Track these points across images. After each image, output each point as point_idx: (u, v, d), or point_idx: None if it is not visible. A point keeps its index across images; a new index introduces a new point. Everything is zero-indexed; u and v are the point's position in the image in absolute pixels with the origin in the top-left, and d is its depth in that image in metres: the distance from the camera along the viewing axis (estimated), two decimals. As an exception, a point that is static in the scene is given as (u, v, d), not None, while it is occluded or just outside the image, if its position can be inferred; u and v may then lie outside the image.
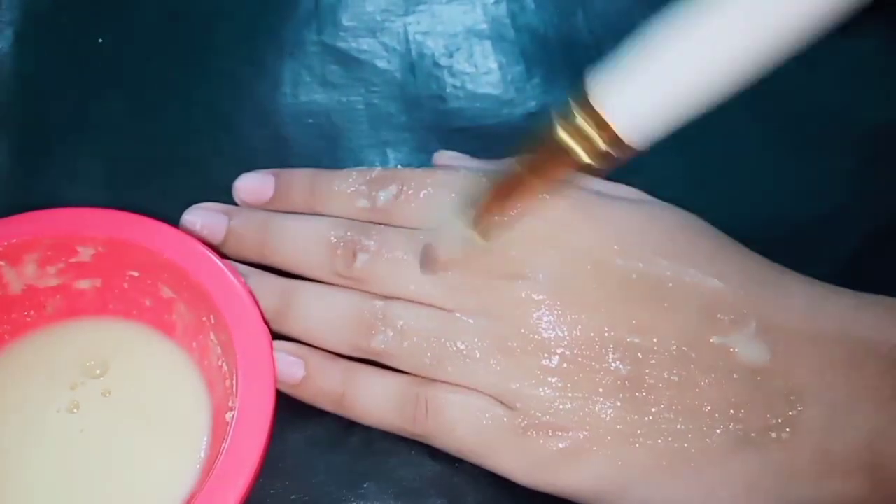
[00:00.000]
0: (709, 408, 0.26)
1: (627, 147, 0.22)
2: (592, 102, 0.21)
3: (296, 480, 0.28)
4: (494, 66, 0.38)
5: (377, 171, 0.30)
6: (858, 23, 0.39)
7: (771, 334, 0.26)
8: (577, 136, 0.22)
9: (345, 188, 0.30)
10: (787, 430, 0.25)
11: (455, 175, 0.30)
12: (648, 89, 0.21)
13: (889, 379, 0.25)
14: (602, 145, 0.22)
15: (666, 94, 0.21)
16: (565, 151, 0.22)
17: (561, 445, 0.26)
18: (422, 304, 0.28)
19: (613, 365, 0.26)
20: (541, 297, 0.27)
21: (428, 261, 0.27)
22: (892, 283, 0.28)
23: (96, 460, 0.27)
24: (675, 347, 0.26)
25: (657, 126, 0.21)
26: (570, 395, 0.26)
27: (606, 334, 0.26)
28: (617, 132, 0.21)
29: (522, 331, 0.27)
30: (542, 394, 0.26)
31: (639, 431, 0.26)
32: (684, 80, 0.21)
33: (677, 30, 0.20)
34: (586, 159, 0.22)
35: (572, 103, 0.22)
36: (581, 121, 0.22)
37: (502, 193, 0.25)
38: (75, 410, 0.28)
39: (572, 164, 0.22)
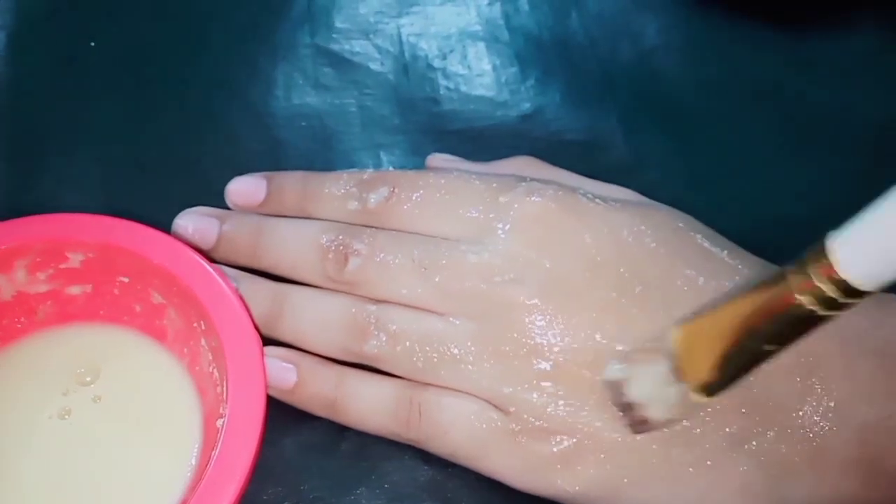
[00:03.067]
0: (703, 410, 0.25)
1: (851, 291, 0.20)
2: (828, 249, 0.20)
3: (288, 486, 0.28)
4: (488, 67, 0.38)
5: (368, 173, 0.30)
6: (856, 22, 0.39)
7: None
8: (804, 281, 0.21)
9: (336, 191, 0.30)
10: (782, 428, 0.25)
11: (447, 177, 0.29)
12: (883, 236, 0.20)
13: (882, 375, 0.25)
14: (828, 291, 0.21)
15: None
16: (788, 294, 0.21)
17: (554, 449, 0.26)
18: (414, 307, 0.28)
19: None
20: (534, 300, 0.27)
21: (637, 424, 0.25)
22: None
23: (87, 467, 0.27)
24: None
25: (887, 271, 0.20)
26: (563, 399, 0.26)
27: (599, 338, 0.26)
28: (842, 276, 0.20)
29: (515, 335, 0.26)
30: (536, 398, 0.26)
31: (631, 436, 0.25)
32: None
33: None
34: (805, 303, 0.21)
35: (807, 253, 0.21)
36: (812, 266, 0.21)
37: (711, 339, 0.23)
38: (67, 417, 0.28)
39: (791, 306, 0.21)
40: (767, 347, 0.22)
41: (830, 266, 0.20)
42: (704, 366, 0.23)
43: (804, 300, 0.21)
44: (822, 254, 0.21)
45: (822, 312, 0.21)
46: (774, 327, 0.22)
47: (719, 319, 0.23)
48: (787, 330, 0.22)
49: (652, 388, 0.24)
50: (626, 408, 0.25)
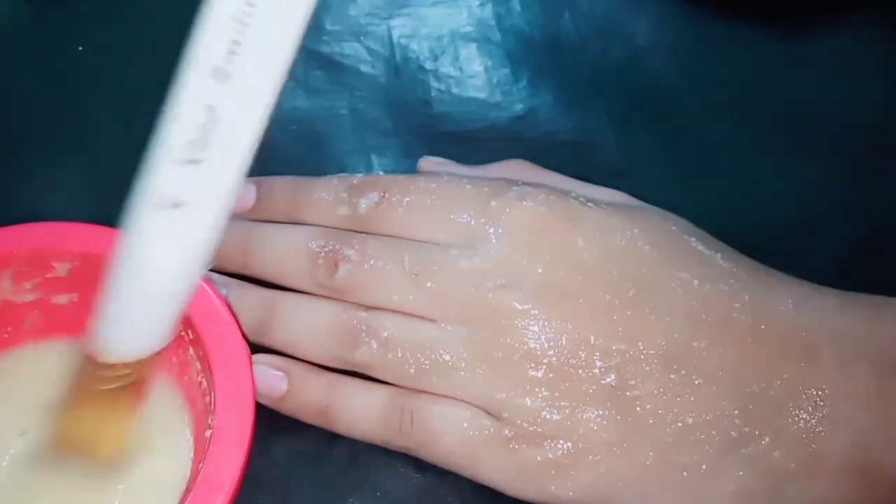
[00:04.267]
0: (696, 414, 0.25)
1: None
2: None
3: (279, 495, 0.28)
4: (480, 68, 0.37)
5: (359, 177, 0.30)
6: (849, 21, 0.39)
7: (758, 337, 0.26)
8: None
9: (326, 196, 0.30)
10: (777, 433, 0.25)
11: (438, 182, 0.29)
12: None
13: (875, 378, 0.25)
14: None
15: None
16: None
17: (549, 455, 0.26)
18: (406, 314, 0.27)
19: (600, 373, 0.26)
20: (526, 306, 0.26)
21: None
22: (881, 284, 0.27)
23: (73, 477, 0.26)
24: (662, 354, 0.26)
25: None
26: (556, 404, 0.26)
27: (593, 342, 0.26)
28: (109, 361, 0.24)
29: (508, 340, 0.26)
30: (529, 404, 0.26)
31: (626, 440, 0.25)
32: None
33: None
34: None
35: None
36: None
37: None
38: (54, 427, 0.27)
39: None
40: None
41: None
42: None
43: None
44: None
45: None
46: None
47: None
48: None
49: None
50: None
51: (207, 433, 0.25)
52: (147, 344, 0.24)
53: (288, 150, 0.35)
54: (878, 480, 0.25)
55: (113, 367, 0.24)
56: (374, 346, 0.27)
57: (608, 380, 0.25)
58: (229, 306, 0.27)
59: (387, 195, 0.29)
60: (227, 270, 0.30)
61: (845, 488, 0.25)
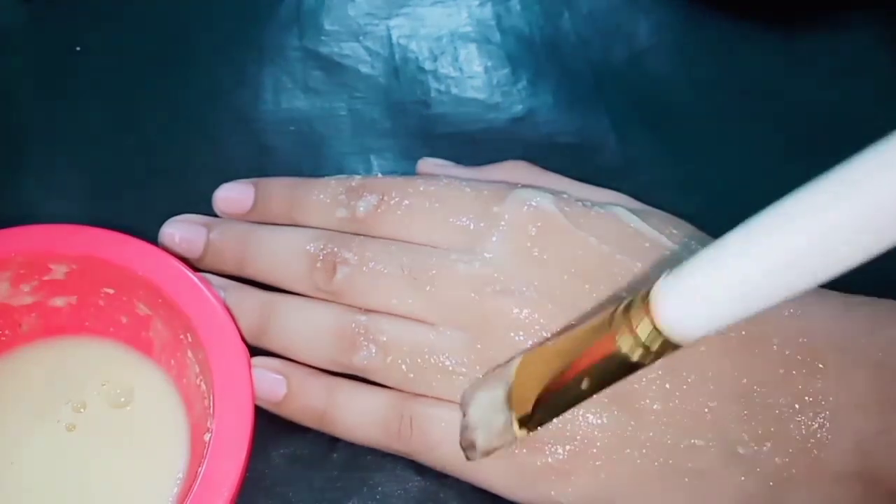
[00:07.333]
0: (698, 420, 0.25)
1: (668, 343, 0.20)
2: (651, 297, 0.20)
3: (278, 498, 0.28)
4: (480, 69, 0.37)
5: (357, 179, 0.30)
6: (850, 21, 0.39)
7: (760, 343, 0.26)
8: (627, 326, 0.21)
9: (324, 198, 0.30)
10: (778, 439, 0.25)
11: (437, 185, 0.29)
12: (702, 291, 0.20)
13: (878, 383, 0.25)
14: (643, 337, 0.20)
15: (722, 300, 0.19)
16: (610, 337, 0.21)
17: (549, 460, 0.26)
18: (405, 317, 0.27)
19: (600, 378, 0.25)
20: (525, 311, 0.26)
21: (468, 448, 0.25)
22: (882, 284, 0.27)
23: (72, 482, 0.26)
24: (663, 359, 0.25)
25: (704, 326, 0.20)
26: (557, 409, 0.26)
27: (592, 347, 0.26)
28: (659, 325, 0.20)
29: (507, 345, 0.26)
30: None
31: (626, 446, 0.25)
32: (747, 287, 0.19)
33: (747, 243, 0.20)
34: (624, 349, 0.21)
35: (638, 296, 0.21)
36: (636, 311, 0.20)
37: (540, 372, 0.23)
38: (52, 430, 0.27)
39: (612, 351, 0.21)
40: (585, 387, 0.22)
41: (651, 313, 0.20)
42: (530, 398, 0.23)
43: (622, 345, 0.21)
44: (646, 299, 0.20)
45: (636, 359, 0.21)
46: (594, 369, 0.22)
47: (549, 354, 0.23)
48: (604, 373, 0.22)
49: (483, 412, 0.25)
50: (464, 429, 0.25)
51: (206, 437, 0.25)
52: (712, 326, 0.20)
53: (286, 152, 0.35)
54: (879, 488, 0.24)
55: (673, 346, 0.20)
56: (373, 351, 0.27)
57: (609, 385, 0.25)
58: (228, 309, 0.27)
59: (385, 198, 0.29)
60: (225, 272, 0.30)
61: (846, 495, 0.25)
